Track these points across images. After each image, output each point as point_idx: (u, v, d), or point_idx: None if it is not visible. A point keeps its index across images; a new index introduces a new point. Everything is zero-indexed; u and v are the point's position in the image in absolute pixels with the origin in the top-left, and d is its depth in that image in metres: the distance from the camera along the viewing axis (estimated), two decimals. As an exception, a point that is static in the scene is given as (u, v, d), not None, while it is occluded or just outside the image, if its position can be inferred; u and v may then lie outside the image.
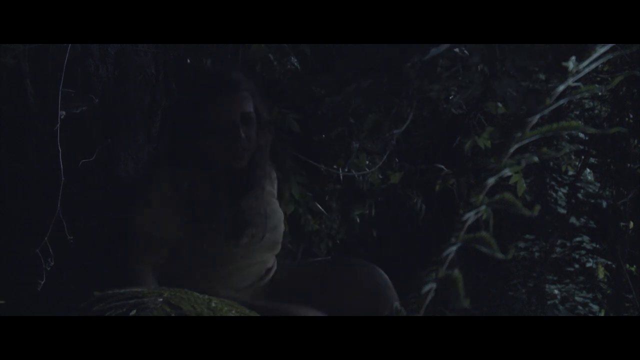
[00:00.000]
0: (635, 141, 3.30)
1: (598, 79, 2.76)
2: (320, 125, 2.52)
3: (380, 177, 2.66)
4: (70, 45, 1.62)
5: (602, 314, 3.41)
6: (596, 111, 3.62)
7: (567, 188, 3.70)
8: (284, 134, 2.37)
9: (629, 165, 3.31)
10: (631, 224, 3.46)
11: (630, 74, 2.06)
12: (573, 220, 3.73)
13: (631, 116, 3.15)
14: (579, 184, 3.63)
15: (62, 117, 1.55)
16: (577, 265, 3.73)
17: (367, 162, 2.56)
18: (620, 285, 3.39)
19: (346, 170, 2.52)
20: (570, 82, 0.94)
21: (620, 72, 2.52)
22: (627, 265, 3.46)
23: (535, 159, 0.87)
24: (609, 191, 3.57)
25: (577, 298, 3.46)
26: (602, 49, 0.94)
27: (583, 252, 3.76)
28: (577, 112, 3.60)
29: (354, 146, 2.50)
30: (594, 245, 3.76)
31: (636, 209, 3.40)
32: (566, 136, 3.35)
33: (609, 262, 3.69)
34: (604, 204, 3.55)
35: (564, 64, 0.95)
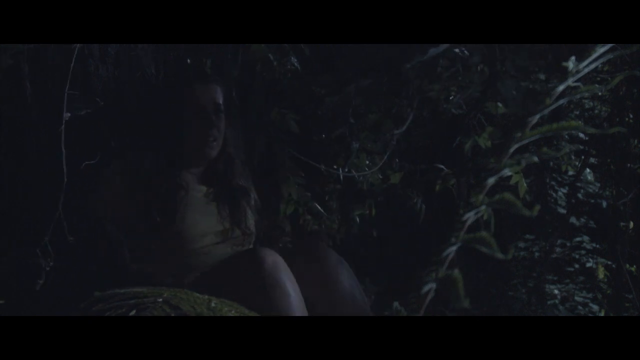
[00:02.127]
0: (635, 141, 3.30)
1: (598, 79, 2.76)
2: (320, 125, 2.52)
3: (381, 177, 2.65)
4: (77, 46, 1.61)
5: (602, 314, 3.41)
6: (596, 111, 3.62)
7: (567, 188, 3.70)
8: (283, 134, 2.37)
9: (629, 165, 3.31)
10: (631, 224, 3.46)
11: (630, 74, 2.05)
12: (573, 220, 3.73)
13: (631, 116, 3.15)
14: (579, 184, 3.63)
15: (67, 118, 1.56)
16: (577, 265, 3.73)
17: (367, 162, 2.55)
18: (620, 285, 3.39)
19: (346, 170, 2.51)
20: (570, 82, 0.93)
21: (620, 72, 2.52)
22: (627, 265, 3.46)
23: (535, 159, 0.87)
24: (609, 191, 3.57)
25: (577, 298, 3.46)
26: (602, 49, 0.94)
27: (583, 252, 3.76)
28: (577, 112, 3.60)
29: (353, 146, 2.49)
30: (594, 245, 3.76)
31: (636, 209, 3.40)
32: (566, 136, 3.35)
33: (609, 262, 3.69)
34: (604, 204, 3.55)
35: (564, 64, 0.95)
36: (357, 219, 2.70)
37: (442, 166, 2.73)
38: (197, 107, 1.95)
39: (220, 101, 1.99)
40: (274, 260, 1.70)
